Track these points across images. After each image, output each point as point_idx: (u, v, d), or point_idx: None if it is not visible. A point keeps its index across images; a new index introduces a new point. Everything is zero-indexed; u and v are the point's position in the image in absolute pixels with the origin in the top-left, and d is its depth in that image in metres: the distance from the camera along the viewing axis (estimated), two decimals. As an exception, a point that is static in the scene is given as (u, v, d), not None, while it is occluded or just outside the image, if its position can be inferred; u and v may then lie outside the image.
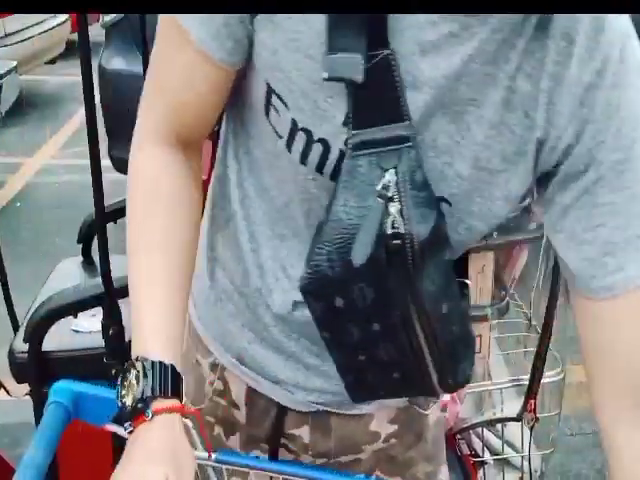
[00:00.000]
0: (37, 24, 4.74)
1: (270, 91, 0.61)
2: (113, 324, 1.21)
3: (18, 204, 3.45)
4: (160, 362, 0.57)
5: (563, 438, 1.89)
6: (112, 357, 1.22)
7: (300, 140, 0.61)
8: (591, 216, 0.59)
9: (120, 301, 1.25)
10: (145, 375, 0.56)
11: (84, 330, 1.32)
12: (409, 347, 0.64)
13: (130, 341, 1.38)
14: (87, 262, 1.57)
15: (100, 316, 1.24)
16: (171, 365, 0.58)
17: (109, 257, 1.17)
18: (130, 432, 0.56)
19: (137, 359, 0.58)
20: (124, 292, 1.30)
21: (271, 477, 0.69)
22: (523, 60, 0.58)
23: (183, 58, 0.62)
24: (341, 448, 0.79)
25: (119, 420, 0.58)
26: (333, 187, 0.59)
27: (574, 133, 0.59)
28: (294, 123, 0.60)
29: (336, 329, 0.64)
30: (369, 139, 0.58)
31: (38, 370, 1.26)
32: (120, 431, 0.57)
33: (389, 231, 0.57)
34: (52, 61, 5.17)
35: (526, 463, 1.39)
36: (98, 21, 2.95)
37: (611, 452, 0.63)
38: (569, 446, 1.94)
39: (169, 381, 0.57)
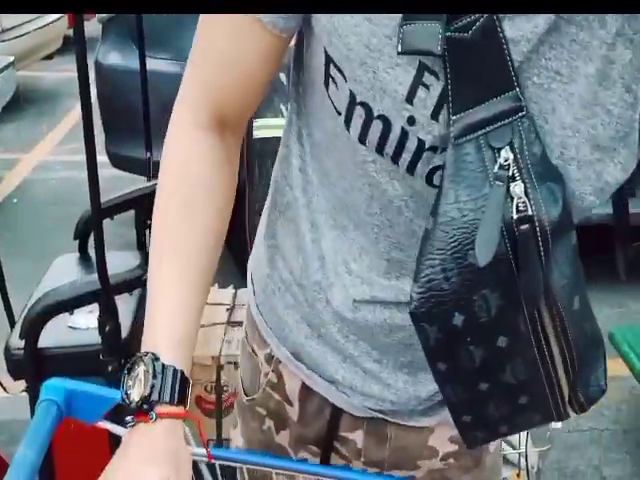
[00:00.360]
0: (34, 20, 4.72)
1: (328, 60, 0.56)
2: (109, 321, 1.21)
3: (15, 200, 3.44)
4: (172, 367, 0.56)
5: (560, 435, 1.89)
6: (109, 354, 1.22)
7: (359, 117, 0.55)
8: None
9: (117, 297, 1.25)
10: (155, 376, 0.55)
11: (80, 327, 1.31)
12: (540, 360, 0.57)
13: (127, 338, 1.37)
14: (84, 258, 1.57)
15: (97, 313, 1.24)
16: (181, 371, 0.57)
17: (105, 253, 1.17)
18: (131, 426, 0.55)
19: (147, 354, 0.56)
20: (120, 288, 1.31)
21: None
22: (625, 22, 0.49)
23: (229, 19, 0.57)
24: (395, 460, 0.74)
25: (120, 410, 0.57)
26: (402, 174, 0.54)
27: None
28: (352, 96, 0.54)
29: (454, 356, 0.56)
30: (474, 121, 0.50)
31: (34, 367, 1.26)
32: (114, 429, 0.57)
33: (515, 216, 0.50)
34: (49, 57, 5.15)
35: (523, 460, 1.39)
36: (95, 17, 2.93)
37: None
38: (566, 443, 1.94)
39: (177, 388, 0.56)
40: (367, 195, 0.60)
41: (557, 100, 0.52)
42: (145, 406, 0.55)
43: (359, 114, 0.55)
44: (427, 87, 0.52)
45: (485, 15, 0.49)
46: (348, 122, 0.56)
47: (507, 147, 0.50)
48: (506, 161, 0.50)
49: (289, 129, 0.67)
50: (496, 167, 0.50)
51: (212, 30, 0.60)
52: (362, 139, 0.56)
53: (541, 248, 0.51)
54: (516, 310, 0.54)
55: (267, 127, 1.43)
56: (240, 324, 1.65)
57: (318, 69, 0.58)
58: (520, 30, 0.50)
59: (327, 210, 0.64)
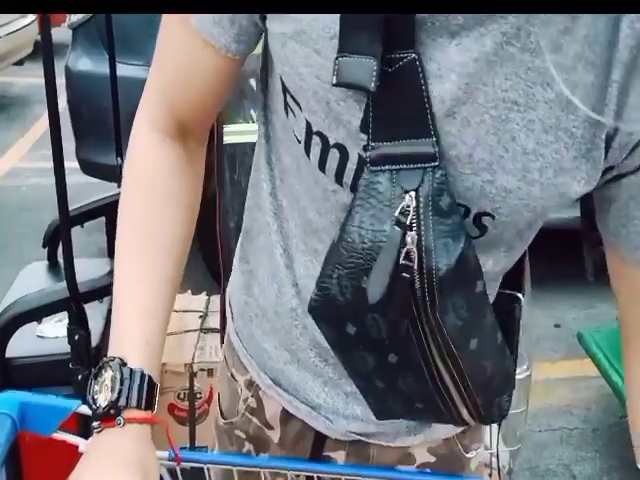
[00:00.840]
0: (4, 25, 4.65)
1: (284, 89, 0.56)
2: (79, 329, 1.20)
3: (-16, 208, 3.38)
4: (140, 371, 0.56)
5: (531, 435, 1.92)
6: (78, 362, 1.21)
7: (316, 145, 0.55)
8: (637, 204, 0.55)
9: (86, 305, 1.24)
10: (122, 381, 0.55)
11: (49, 336, 1.30)
12: (431, 382, 0.58)
13: (97, 347, 1.36)
14: (53, 266, 1.55)
15: (66, 321, 1.23)
16: (149, 376, 0.56)
17: (75, 261, 1.16)
18: (98, 432, 0.55)
19: (114, 359, 0.56)
20: (90, 296, 1.30)
21: None
22: (584, 46, 0.48)
23: (186, 41, 0.58)
24: None
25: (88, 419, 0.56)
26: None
27: None
28: (309, 126, 0.55)
29: (350, 355, 0.59)
30: (390, 153, 0.51)
31: (2, 377, 1.24)
32: (70, 439, 0.57)
33: (401, 262, 0.51)
34: (20, 62, 5.08)
35: (495, 460, 1.41)
36: (65, 22, 2.90)
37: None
38: (537, 442, 1.97)
39: (144, 393, 0.56)
40: (335, 219, 0.59)
41: (516, 129, 0.51)
42: (112, 411, 0.55)
43: (316, 143, 0.55)
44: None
45: (412, 53, 0.49)
46: (307, 150, 0.56)
47: (413, 193, 0.50)
48: (407, 207, 0.50)
49: (260, 152, 0.67)
50: (397, 211, 0.51)
51: (169, 46, 0.61)
52: (322, 167, 0.56)
53: (426, 296, 0.52)
54: (405, 339, 0.55)
55: (238, 133, 1.44)
56: (213, 330, 1.64)
57: (279, 95, 0.58)
58: (468, 51, 0.49)
59: (298, 235, 0.64)
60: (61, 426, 0.61)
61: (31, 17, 4.95)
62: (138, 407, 0.55)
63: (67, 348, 1.23)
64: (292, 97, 0.55)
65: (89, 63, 2.55)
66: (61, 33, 3.64)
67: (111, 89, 1.62)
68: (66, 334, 1.22)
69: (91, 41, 2.52)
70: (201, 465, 0.66)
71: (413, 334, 0.55)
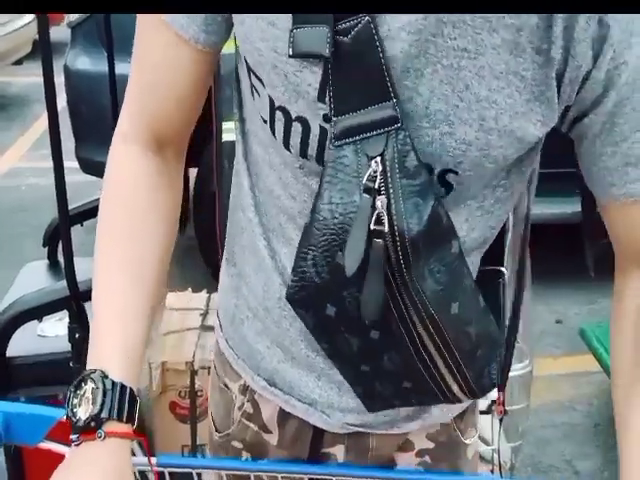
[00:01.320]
0: (2, 25, 4.65)
1: (249, 68, 0.57)
2: (79, 328, 1.19)
3: (-16, 208, 3.38)
4: (121, 384, 0.55)
5: (533, 430, 1.92)
6: (78, 361, 1.21)
7: (279, 121, 0.56)
8: (612, 133, 0.55)
9: (87, 304, 1.24)
10: (104, 394, 0.54)
11: (49, 335, 1.30)
12: (416, 355, 0.58)
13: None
14: (53, 265, 1.55)
15: (66, 320, 1.23)
16: (130, 389, 0.56)
17: (75, 259, 1.16)
18: (76, 445, 0.54)
19: (95, 371, 0.55)
20: (90, 295, 1.29)
21: None
22: None
23: (159, 38, 0.59)
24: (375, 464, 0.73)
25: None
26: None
27: (593, 57, 0.52)
28: (271, 101, 0.56)
29: (332, 340, 0.59)
30: (352, 125, 0.51)
31: (3, 376, 1.24)
32: (57, 448, 0.56)
33: (372, 228, 0.51)
34: (19, 62, 5.08)
35: (497, 456, 1.41)
36: (63, 21, 2.90)
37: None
38: (540, 438, 1.97)
39: (126, 406, 0.55)
40: (308, 198, 0.59)
41: (468, 76, 0.52)
42: (93, 424, 0.54)
43: (279, 118, 0.56)
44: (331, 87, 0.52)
45: (364, 18, 0.49)
46: (273, 128, 0.57)
47: (378, 158, 0.51)
48: (374, 172, 0.51)
49: (238, 152, 0.68)
50: (365, 178, 0.51)
51: (143, 49, 0.62)
52: (286, 144, 0.57)
53: (400, 260, 0.52)
54: (386, 309, 0.55)
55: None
56: (214, 328, 1.64)
57: (246, 80, 0.59)
58: (408, 17, 0.49)
59: (277, 226, 0.64)
60: (55, 435, 0.61)
61: (29, 16, 4.94)
62: (119, 420, 0.55)
63: (68, 347, 1.23)
64: (255, 75, 0.56)
65: (88, 62, 2.55)
66: (60, 32, 3.64)
67: (110, 87, 1.62)
68: (66, 333, 1.21)
69: (90, 40, 2.52)
70: (189, 470, 0.65)
71: (392, 304, 0.55)
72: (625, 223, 0.61)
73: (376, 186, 0.51)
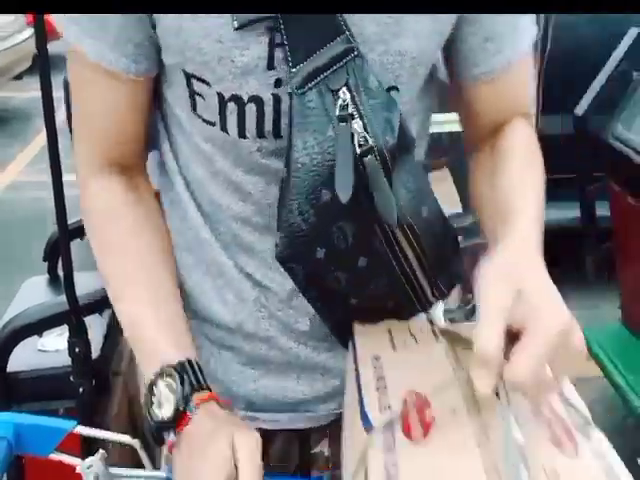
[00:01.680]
0: (2, 40, 4.68)
1: (189, 78, 0.59)
2: (79, 342, 1.19)
3: (-15, 222, 3.38)
4: (188, 360, 0.57)
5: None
6: (79, 376, 1.20)
7: (232, 113, 0.58)
8: (475, 17, 0.62)
9: (87, 318, 1.23)
10: (182, 380, 0.56)
11: (50, 349, 1.30)
12: (400, 270, 0.62)
13: (97, 359, 1.35)
14: (53, 280, 1.55)
15: (67, 334, 1.22)
16: (195, 360, 0.58)
17: (75, 274, 1.16)
18: (179, 438, 0.55)
19: (159, 373, 0.57)
20: (90, 309, 1.29)
21: None
22: None
23: (93, 89, 0.62)
24: None
25: (155, 437, 0.57)
26: (280, 146, 0.58)
27: None
28: (220, 97, 0.58)
29: (322, 283, 0.61)
30: (312, 69, 0.55)
31: (4, 392, 1.23)
32: (67, 460, 0.56)
33: (358, 150, 0.54)
34: (19, 77, 5.10)
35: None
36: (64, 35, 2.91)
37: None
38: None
39: (198, 374, 0.57)
40: (265, 189, 0.62)
41: None
42: (182, 407, 0.55)
43: (231, 110, 0.58)
44: (281, 45, 0.55)
45: None
46: (224, 125, 0.59)
47: (344, 88, 0.54)
48: (345, 102, 0.54)
49: (177, 182, 0.68)
50: (337, 109, 0.54)
51: (79, 91, 0.64)
52: (242, 133, 0.59)
53: (385, 173, 0.55)
54: (370, 231, 0.58)
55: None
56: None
57: (182, 97, 0.61)
58: None
59: (231, 239, 0.66)
60: (63, 446, 0.61)
61: (29, 31, 4.98)
62: (200, 389, 0.56)
63: (68, 361, 1.22)
64: (198, 79, 0.58)
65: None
66: (60, 46, 3.65)
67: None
68: (67, 347, 1.21)
69: (88, 54, 2.53)
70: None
71: (378, 222, 0.57)
72: (487, 98, 0.67)
73: (350, 111, 0.54)
